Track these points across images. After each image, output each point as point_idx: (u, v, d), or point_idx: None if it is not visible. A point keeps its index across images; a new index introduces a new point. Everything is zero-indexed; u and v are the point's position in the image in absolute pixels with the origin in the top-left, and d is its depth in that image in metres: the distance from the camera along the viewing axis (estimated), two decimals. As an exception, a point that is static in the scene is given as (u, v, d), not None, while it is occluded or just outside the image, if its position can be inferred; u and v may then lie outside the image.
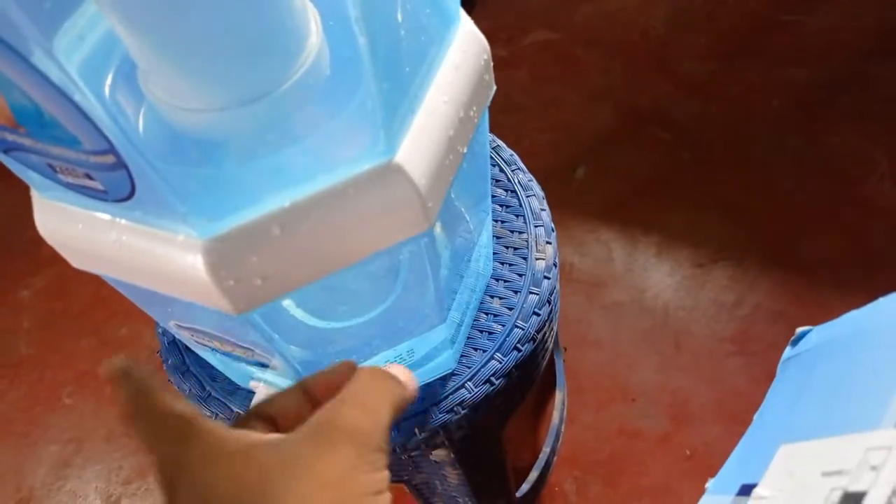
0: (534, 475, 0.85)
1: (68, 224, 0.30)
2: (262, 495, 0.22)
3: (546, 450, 0.88)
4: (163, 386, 0.26)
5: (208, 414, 0.51)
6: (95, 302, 1.16)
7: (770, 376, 0.98)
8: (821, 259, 1.06)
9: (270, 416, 0.28)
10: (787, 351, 0.45)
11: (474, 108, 0.35)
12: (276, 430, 0.28)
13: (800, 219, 1.11)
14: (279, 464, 0.23)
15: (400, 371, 0.30)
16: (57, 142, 0.24)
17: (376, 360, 0.43)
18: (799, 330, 0.44)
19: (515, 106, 1.31)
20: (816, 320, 1.00)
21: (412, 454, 0.50)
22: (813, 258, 1.06)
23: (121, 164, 0.24)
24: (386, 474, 0.25)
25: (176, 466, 0.24)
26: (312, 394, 0.30)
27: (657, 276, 1.08)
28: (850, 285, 1.03)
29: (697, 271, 1.08)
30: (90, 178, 0.26)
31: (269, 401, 0.29)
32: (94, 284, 1.19)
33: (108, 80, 0.30)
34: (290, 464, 0.23)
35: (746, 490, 0.35)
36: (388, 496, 0.25)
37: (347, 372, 0.30)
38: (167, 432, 0.25)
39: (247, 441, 0.24)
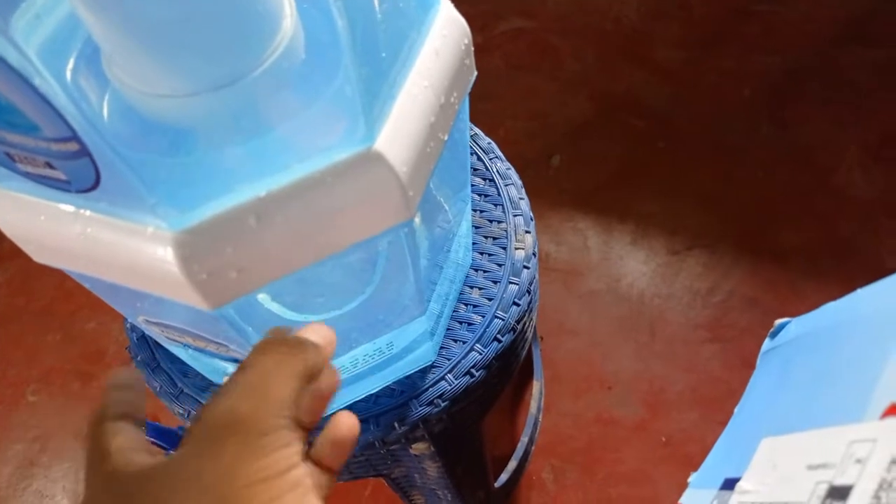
0: (512, 465, 0.85)
1: (29, 216, 0.28)
2: None
3: (524, 439, 0.88)
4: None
5: (180, 412, 0.49)
6: (60, 295, 1.13)
7: (744, 362, 0.99)
8: (793, 246, 1.07)
9: (129, 416, 0.27)
10: (766, 343, 0.45)
11: (455, 94, 0.34)
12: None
13: (772, 206, 1.12)
14: (167, 484, 0.22)
15: (311, 330, 0.28)
16: (14, 128, 0.23)
17: (355, 353, 0.42)
18: (777, 322, 0.44)
19: (490, 94, 1.30)
20: (789, 307, 1.01)
21: (391, 448, 0.49)
22: (785, 245, 1.08)
23: (84, 152, 0.23)
24: (293, 450, 0.23)
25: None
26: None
27: (632, 264, 1.08)
28: (822, 272, 1.04)
29: (672, 259, 1.08)
30: (51, 167, 0.24)
31: (115, 403, 0.28)
32: (59, 277, 1.15)
33: (70, 64, 0.28)
34: (175, 480, 0.22)
35: (730, 484, 0.34)
36: (289, 478, 0.23)
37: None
38: (99, 475, 0.24)
39: (141, 468, 0.23)
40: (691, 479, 0.40)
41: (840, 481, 0.27)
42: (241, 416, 0.23)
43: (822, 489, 0.28)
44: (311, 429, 0.26)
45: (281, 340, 0.26)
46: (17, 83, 0.20)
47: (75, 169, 0.24)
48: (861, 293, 0.38)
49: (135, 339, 0.52)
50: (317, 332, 0.28)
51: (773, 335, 0.45)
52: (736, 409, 0.43)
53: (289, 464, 0.23)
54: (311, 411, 0.26)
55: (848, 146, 1.17)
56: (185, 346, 0.41)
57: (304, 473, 0.23)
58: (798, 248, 1.07)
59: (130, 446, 0.24)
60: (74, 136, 0.22)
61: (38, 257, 0.31)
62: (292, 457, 0.23)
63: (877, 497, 0.25)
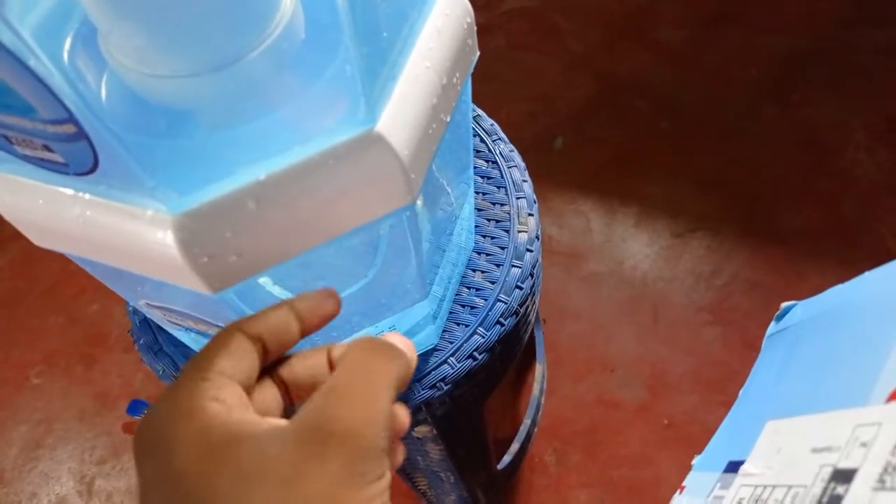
0: (515, 447, 0.86)
1: (28, 199, 0.28)
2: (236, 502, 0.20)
3: (526, 422, 0.88)
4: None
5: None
6: (63, 278, 1.13)
7: (747, 345, 0.99)
8: (797, 229, 1.07)
9: (258, 337, 0.25)
10: (772, 326, 0.45)
11: (458, 75, 0.33)
12: (265, 353, 0.26)
13: (776, 189, 1.11)
14: (259, 470, 0.21)
15: (398, 339, 0.27)
16: (10, 110, 0.22)
17: (357, 336, 0.42)
18: (783, 305, 0.44)
19: (492, 75, 1.29)
20: (792, 290, 1.01)
21: (394, 431, 0.49)
22: (789, 228, 1.07)
23: (81, 135, 0.22)
24: (385, 483, 0.22)
25: (152, 440, 0.22)
26: (301, 316, 0.27)
27: (635, 247, 1.08)
28: (825, 255, 1.04)
29: (675, 241, 1.08)
30: (49, 149, 0.24)
31: (257, 320, 0.26)
32: (62, 260, 1.15)
33: (67, 45, 0.28)
34: (271, 472, 0.21)
35: (734, 467, 0.34)
36: None
37: (333, 304, 0.27)
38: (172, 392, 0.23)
39: (231, 433, 0.22)
40: (695, 461, 0.40)
41: (844, 464, 0.27)
42: (350, 430, 0.22)
43: (827, 472, 0.28)
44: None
45: (384, 345, 0.25)
46: (11, 64, 0.20)
47: (73, 151, 0.24)
48: (867, 276, 0.38)
49: (137, 322, 0.52)
50: (403, 342, 0.27)
51: (779, 318, 0.45)
52: (740, 392, 0.43)
53: (382, 500, 0.22)
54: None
55: (854, 128, 1.16)
56: (187, 329, 0.41)
57: None
58: (801, 231, 1.07)
59: (233, 375, 0.23)
60: (71, 118, 0.22)
61: (38, 241, 0.31)
62: (385, 492, 0.22)
63: (881, 480, 0.25)
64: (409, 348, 0.27)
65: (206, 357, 0.24)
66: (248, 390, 0.25)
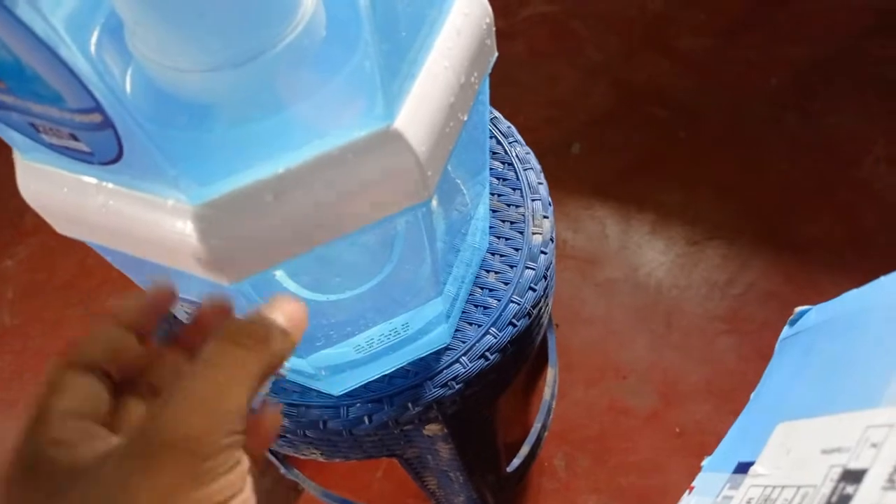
0: (524, 450, 0.86)
1: (53, 188, 0.29)
2: None
3: (537, 425, 0.88)
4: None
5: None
6: (81, 272, 1.14)
7: (761, 356, 0.98)
8: (814, 239, 1.06)
9: (93, 365, 0.24)
10: (786, 330, 0.44)
11: (475, 75, 0.34)
12: (111, 379, 0.24)
13: (794, 198, 1.10)
14: (98, 498, 0.20)
15: (279, 308, 0.25)
16: (39, 99, 0.23)
17: (371, 333, 0.43)
18: (798, 309, 0.44)
19: (512, 80, 1.30)
20: (808, 301, 1.01)
21: (405, 428, 0.50)
22: (806, 238, 1.06)
23: (107, 124, 0.23)
24: (239, 470, 0.22)
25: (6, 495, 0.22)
26: (133, 323, 0.26)
27: (651, 254, 1.08)
28: (842, 266, 1.03)
29: (691, 249, 1.07)
30: (75, 138, 0.25)
31: (86, 347, 0.25)
32: (80, 254, 1.17)
33: (94, 38, 0.29)
34: (104, 497, 0.20)
35: (743, 468, 0.34)
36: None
37: (168, 295, 0.27)
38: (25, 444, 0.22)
39: (78, 471, 0.21)
40: (705, 462, 0.40)
41: (854, 465, 0.27)
42: (186, 435, 0.21)
43: (836, 473, 0.28)
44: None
45: (246, 331, 0.24)
46: (42, 53, 0.21)
47: (98, 141, 0.24)
48: (883, 280, 0.38)
49: (154, 314, 0.53)
50: (284, 311, 0.25)
51: (793, 322, 0.45)
52: (752, 395, 0.43)
53: (232, 491, 0.22)
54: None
55: (875, 139, 1.15)
56: (203, 321, 0.42)
57: (247, 497, 0.22)
58: (819, 242, 1.06)
59: (74, 411, 0.23)
60: (98, 108, 0.22)
61: (61, 229, 0.32)
62: (237, 482, 0.22)
63: (891, 480, 0.25)
64: (291, 316, 0.25)
65: (41, 400, 0.23)
66: (105, 418, 0.24)
